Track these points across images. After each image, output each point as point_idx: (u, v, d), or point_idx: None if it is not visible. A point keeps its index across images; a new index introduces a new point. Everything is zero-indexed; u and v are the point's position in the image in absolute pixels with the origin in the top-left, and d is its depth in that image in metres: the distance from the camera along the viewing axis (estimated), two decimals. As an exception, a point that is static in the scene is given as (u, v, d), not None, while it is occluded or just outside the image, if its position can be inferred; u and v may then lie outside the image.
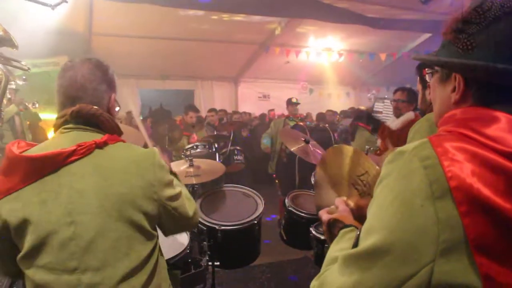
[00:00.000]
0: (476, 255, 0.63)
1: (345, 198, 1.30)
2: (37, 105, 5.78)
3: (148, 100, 9.78)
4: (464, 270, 0.64)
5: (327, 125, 6.33)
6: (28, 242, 1.12)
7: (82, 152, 1.16)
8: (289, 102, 5.76)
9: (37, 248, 1.12)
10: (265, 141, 5.65)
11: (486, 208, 0.64)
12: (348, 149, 1.38)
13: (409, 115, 3.51)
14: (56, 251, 1.11)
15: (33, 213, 1.12)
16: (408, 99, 3.65)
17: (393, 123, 3.55)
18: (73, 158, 1.15)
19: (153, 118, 6.61)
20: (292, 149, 3.34)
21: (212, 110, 6.53)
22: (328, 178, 1.46)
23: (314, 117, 8.72)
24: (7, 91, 1.83)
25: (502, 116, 0.71)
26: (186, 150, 3.71)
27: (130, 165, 1.22)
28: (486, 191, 0.64)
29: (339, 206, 1.19)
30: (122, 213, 1.16)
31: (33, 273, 1.13)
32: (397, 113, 3.50)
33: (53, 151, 1.14)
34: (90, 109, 1.22)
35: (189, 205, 1.42)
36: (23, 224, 1.12)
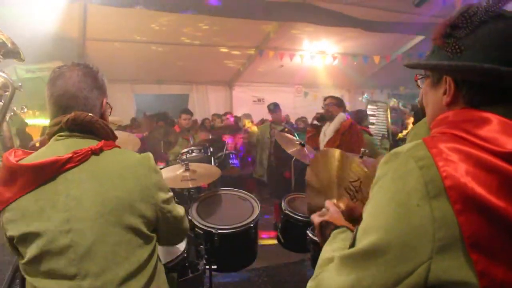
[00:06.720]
0: (472, 252, 0.64)
1: (335, 200, 1.31)
2: (25, 110, 5.71)
3: (143, 105, 9.74)
4: (460, 267, 0.65)
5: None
6: (30, 250, 1.12)
7: (78, 159, 1.16)
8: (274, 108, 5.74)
9: (38, 256, 1.12)
10: None
11: (480, 207, 0.65)
12: (336, 152, 1.39)
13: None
14: (56, 258, 1.12)
15: (32, 222, 1.12)
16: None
17: None
18: (69, 165, 1.15)
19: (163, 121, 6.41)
20: (289, 151, 3.36)
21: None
22: (319, 181, 1.47)
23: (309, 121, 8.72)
24: None
25: (493, 117, 0.73)
26: (182, 154, 3.71)
27: (126, 170, 1.23)
28: (480, 190, 0.65)
29: (329, 208, 1.21)
30: (120, 218, 1.16)
31: (34, 280, 1.14)
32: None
33: (49, 159, 1.14)
34: (85, 117, 1.22)
35: (179, 208, 1.46)
36: (24, 234, 1.12)
